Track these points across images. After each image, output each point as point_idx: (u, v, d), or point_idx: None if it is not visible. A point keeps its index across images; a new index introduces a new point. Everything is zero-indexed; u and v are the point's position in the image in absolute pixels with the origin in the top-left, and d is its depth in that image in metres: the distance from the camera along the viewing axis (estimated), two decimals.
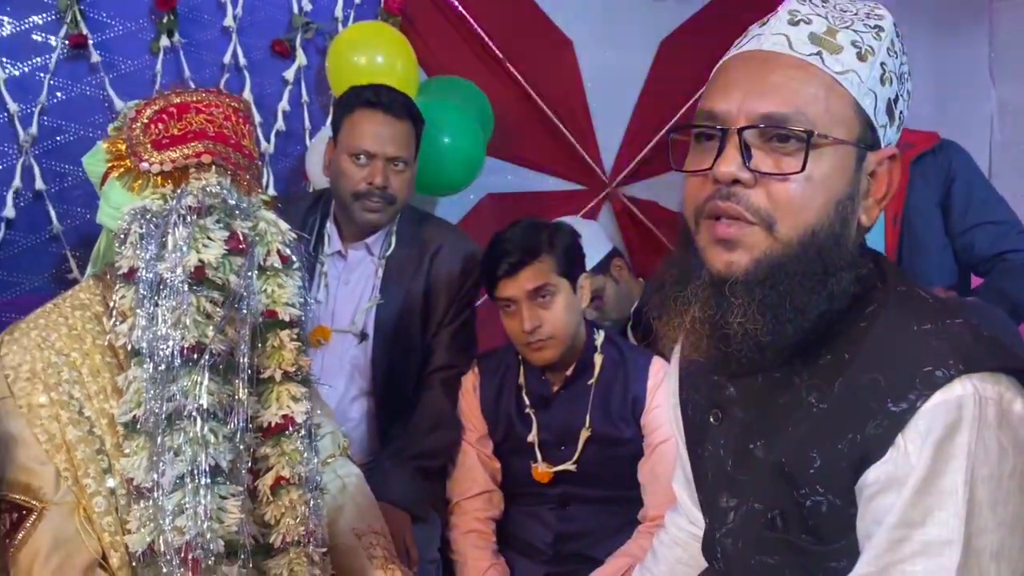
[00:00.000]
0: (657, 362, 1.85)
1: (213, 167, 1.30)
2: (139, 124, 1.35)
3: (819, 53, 0.93)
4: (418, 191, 2.32)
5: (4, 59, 2.16)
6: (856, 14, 0.98)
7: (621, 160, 3.11)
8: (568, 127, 2.97)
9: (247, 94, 2.47)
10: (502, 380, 1.91)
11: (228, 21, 2.42)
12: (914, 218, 2.22)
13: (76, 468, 1.26)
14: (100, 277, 1.40)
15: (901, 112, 1.00)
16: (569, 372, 1.85)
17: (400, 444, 2.00)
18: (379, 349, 2.06)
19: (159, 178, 1.29)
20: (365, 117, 1.96)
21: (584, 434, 1.82)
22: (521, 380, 1.89)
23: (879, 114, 0.95)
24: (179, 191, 1.28)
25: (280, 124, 2.54)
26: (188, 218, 1.24)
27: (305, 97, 2.58)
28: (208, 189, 1.27)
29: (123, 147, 1.34)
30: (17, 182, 2.17)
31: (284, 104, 2.55)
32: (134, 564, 1.25)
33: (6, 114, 2.17)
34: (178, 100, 1.38)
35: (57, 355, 1.29)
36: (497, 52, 2.81)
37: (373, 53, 2.39)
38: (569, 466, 1.83)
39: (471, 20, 2.77)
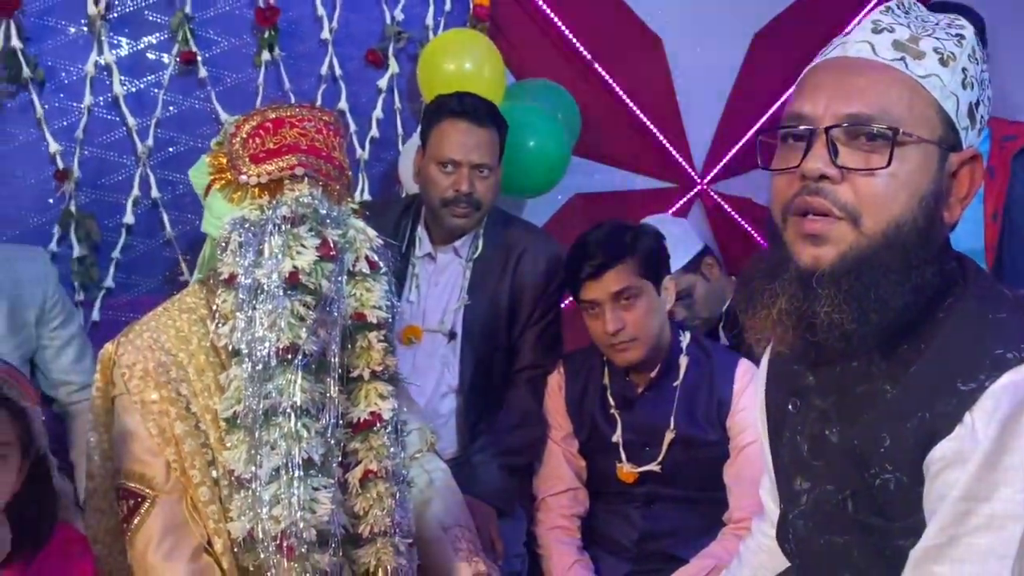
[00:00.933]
0: (744, 364, 1.83)
1: (306, 179, 1.36)
2: (238, 139, 1.42)
3: (903, 58, 0.95)
4: (505, 193, 2.34)
5: (122, 77, 2.27)
6: (938, 24, 0.99)
7: (712, 157, 3.06)
8: (657, 125, 2.94)
9: (343, 103, 2.52)
10: (586, 380, 1.91)
11: (325, 34, 2.48)
12: (1016, 213, 2.13)
13: (183, 460, 1.33)
14: (204, 282, 1.47)
15: (982, 116, 1.01)
16: (654, 373, 1.84)
17: (487, 440, 2.03)
18: (467, 348, 2.10)
19: (256, 190, 1.36)
20: (451, 127, 2.00)
21: (668, 436, 1.81)
22: (605, 381, 1.88)
23: (961, 117, 0.97)
24: (274, 202, 1.34)
25: (374, 131, 2.58)
26: (283, 227, 1.31)
27: (398, 104, 2.61)
28: (301, 200, 1.33)
29: (224, 161, 1.41)
30: (136, 191, 2.29)
31: (378, 112, 2.59)
32: (235, 549, 1.31)
33: (125, 128, 2.28)
34: (274, 115, 1.45)
35: (166, 355, 1.37)
36: (585, 53, 2.80)
37: (461, 60, 2.41)
38: (654, 467, 1.82)
39: (558, 22, 2.75)
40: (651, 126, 2.94)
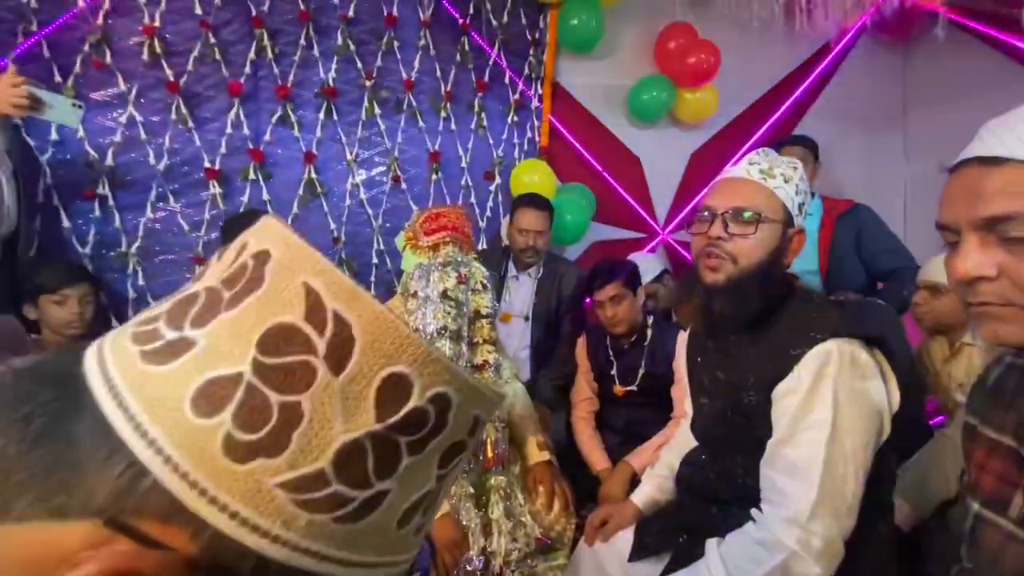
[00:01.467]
0: (681, 333, 1.80)
1: (451, 243, 1.44)
2: (418, 223, 1.50)
3: (764, 178, 0.98)
4: (555, 244, 2.37)
5: (364, 189, 2.37)
6: (782, 161, 1.00)
7: (668, 220, 2.98)
8: (639, 204, 2.88)
9: (472, 199, 2.57)
10: (597, 343, 1.91)
11: (463, 164, 2.54)
12: (836, 250, 2.04)
13: None
14: (403, 294, 1.54)
15: (805, 209, 1.02)
16: (633, 338, 1.83)
17: (545, 372, 2.06)
18: (535, 325, 2.13)
19: (427, 248, 1.45)
20: (524, 211, 2.03)
21: (641, 371, 1.81)
22: (608, 342, 1.87)
23: (793, 209, 1.00)
24: (436, 255, 1.42)
25: (488, 212, 2.62)
26: (439, 268, 1.39)
27: (500, 198, 2.63)
28: (448, 254, 1.41)
29: (411, 234, 1.50)
30: (374, 246, 2.39)
31: (490, 202, 2.63)
32: None
33: (366, 215, 2.38)
34: (435, 211, 1.53)
35: None
36: (597, 166, 2.76)
37: (532, 175, 2.45)
38: (633, 387, 1.82)
39: (584, 152, 2.73)
40: (635, 204, 2.88)
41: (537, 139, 2.66)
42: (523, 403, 1.62)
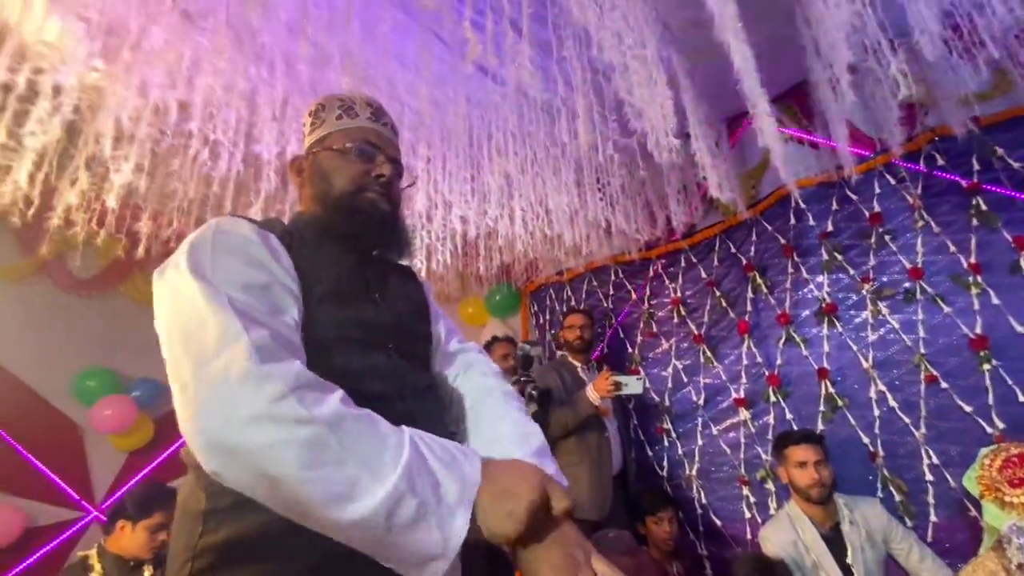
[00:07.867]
0: None
1: None
2: (994, 468, 1.32)
3: None
4: None
5: (890, 394, 2.24)
6: None
7: None
8: None
9: None
10: None
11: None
12: None
13: None
14: (995, 550, 1.33)
15: None
16: None
17: None
18: None
19: (1019, 505, 1.23)
20: None
21: None
22: None
23: None
24: None
25: None
26: None
27: None
28: None
29: (987, 481, 1.33)
30: (925, 460, 2.09)
31: None
32: None
33: (904, 423, 2.19)
34: (1017, 451, 1.32)
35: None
36: None
37: None
38: None
39: None
40: None
41: None
42: None
